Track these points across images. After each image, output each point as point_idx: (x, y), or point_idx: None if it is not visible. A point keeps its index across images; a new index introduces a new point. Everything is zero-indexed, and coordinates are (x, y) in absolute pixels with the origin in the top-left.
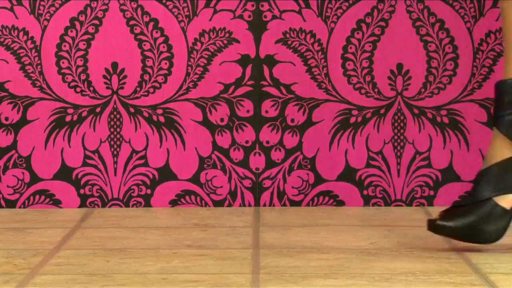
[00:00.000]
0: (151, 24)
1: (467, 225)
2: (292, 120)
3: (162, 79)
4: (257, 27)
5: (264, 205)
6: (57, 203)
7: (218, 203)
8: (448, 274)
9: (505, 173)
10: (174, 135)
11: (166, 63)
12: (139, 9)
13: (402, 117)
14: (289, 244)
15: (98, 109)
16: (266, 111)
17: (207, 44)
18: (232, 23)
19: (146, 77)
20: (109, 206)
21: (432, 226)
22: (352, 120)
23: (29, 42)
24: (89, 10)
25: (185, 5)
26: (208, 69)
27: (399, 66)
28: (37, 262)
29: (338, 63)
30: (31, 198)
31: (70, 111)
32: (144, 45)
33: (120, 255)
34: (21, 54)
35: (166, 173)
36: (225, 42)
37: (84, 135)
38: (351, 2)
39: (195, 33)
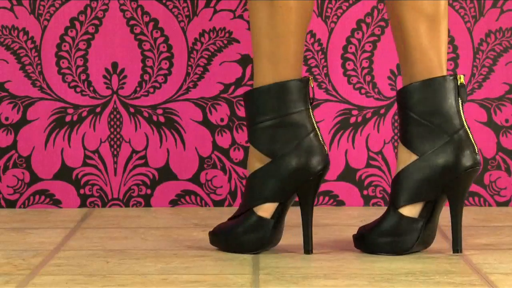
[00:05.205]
0: (151, 24)
1: (230, 236)
2: None
3: (162, 79)
4: None
5: None
6: (57, 203)
7: (218, 203)
8: (448, 274)
9: (261, 184)
10: (174, 135)
11: (166, 63)
12: (139, 9)
13: None
14: (289, 244)
15: (98, 109)
16: None
17: (207, 44)
18: (232, 23)
19: (146, 77)
20: (109, 206)
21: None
22: (352, 120)
23: (29, 42)
24: (89, 10)
25: (185, 5)
26: (208, 69)
27: (399, 66)
28: (37, 262)
29: (338, 63)
30: (31, 198)
31: (70, 111)
32: (144, 45)
33: (120, 255)
34: (21, 54)
35: (166, 173)
36: (225, 42)
37: (84, 135)
38: (351, 2)
39: (195, 33)
